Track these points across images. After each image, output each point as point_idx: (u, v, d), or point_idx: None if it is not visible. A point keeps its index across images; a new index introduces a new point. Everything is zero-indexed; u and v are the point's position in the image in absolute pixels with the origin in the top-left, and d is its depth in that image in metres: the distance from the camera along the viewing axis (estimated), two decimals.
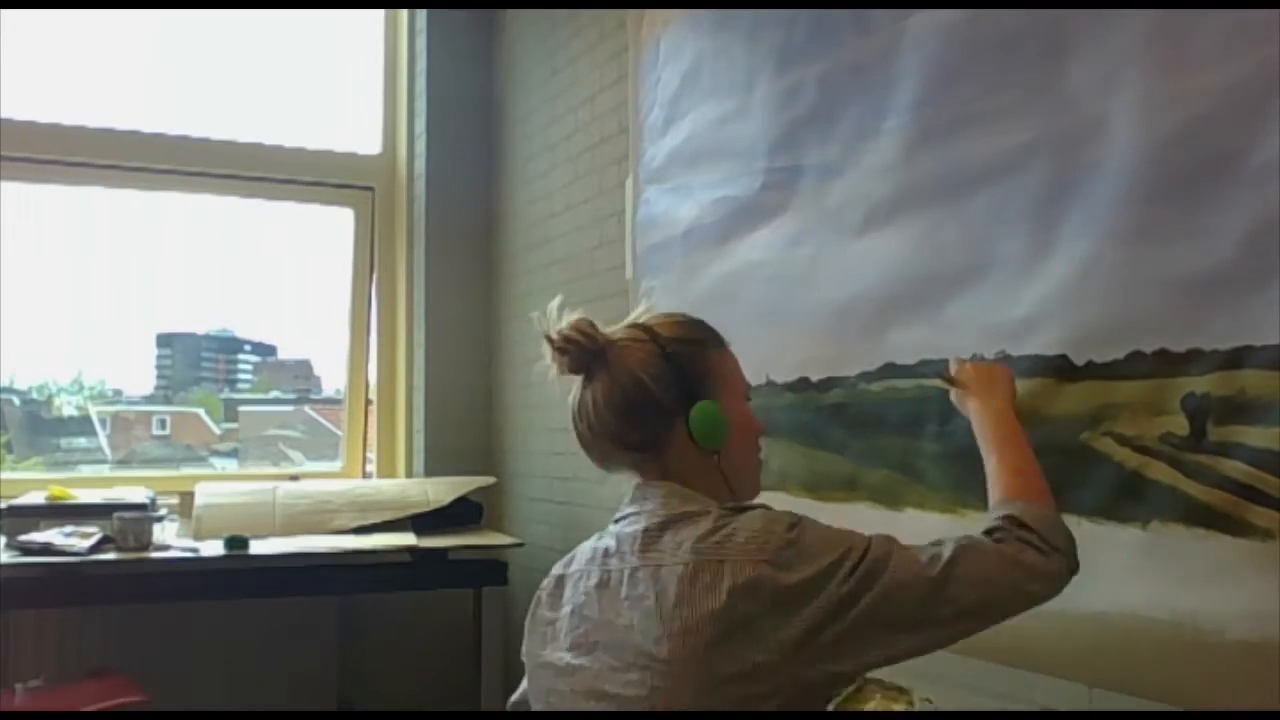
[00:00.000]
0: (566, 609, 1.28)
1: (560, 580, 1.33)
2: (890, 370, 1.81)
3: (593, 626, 1.23)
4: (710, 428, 1.25)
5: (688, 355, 1.28)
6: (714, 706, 1.10)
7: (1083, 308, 1.48)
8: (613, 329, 1.31)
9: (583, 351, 1.28)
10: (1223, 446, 1.30)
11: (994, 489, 1.31)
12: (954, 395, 1.53)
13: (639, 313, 1.35)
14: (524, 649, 1.36)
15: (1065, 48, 1.52)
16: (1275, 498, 1.24)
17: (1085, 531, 1.47)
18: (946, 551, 1.15)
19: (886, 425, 1.81)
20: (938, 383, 1.60)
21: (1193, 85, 1.35)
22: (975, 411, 1.44)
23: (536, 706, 1.33)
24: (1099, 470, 1.45)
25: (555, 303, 1.30)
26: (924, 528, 1.73)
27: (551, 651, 1.28)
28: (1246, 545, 1.27)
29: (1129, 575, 1.41)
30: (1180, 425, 1.35)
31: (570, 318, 1.29)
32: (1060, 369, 1.50)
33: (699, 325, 1.34)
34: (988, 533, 1.21)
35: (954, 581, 1.13)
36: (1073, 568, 1.21)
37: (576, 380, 1.31)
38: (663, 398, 1.26)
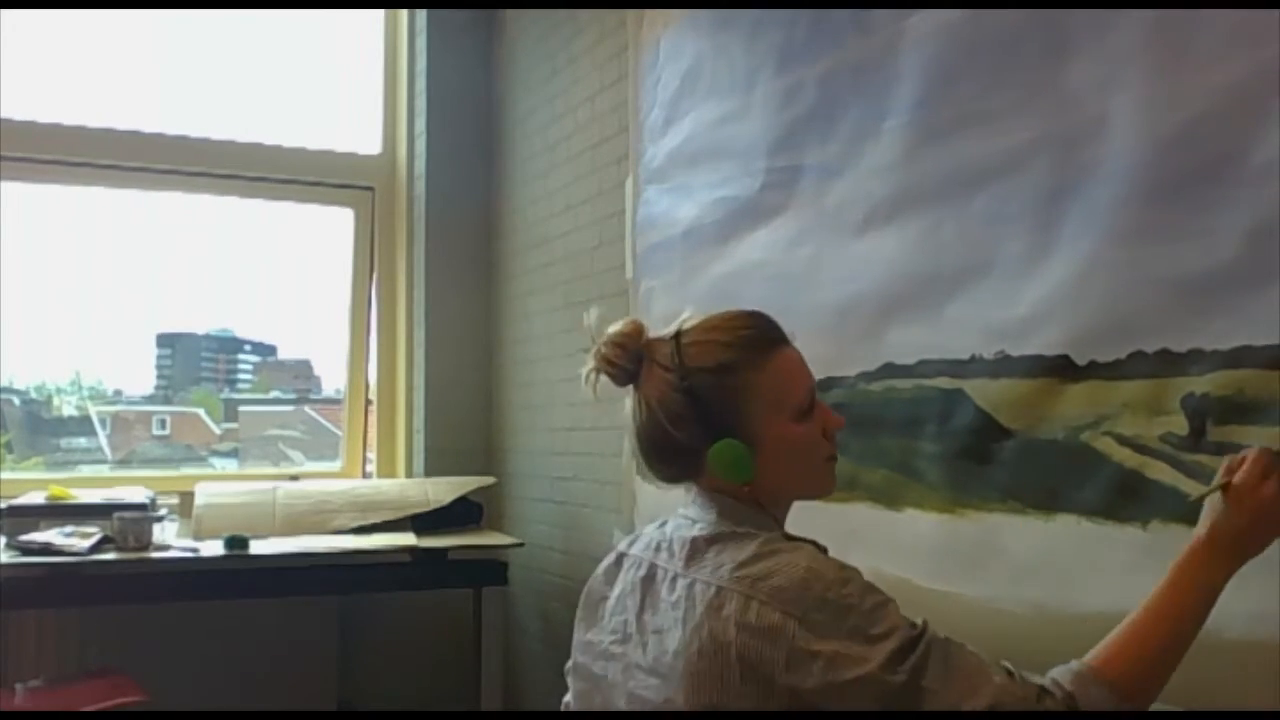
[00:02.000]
0: (617, 589, 1.30)
1: (620, 558, 1.34)
2: (890, 370, 1.81)
3: (631, 618, 1.24)
4: (731, 467, 1.19)
5: (709, 386, 1.19)
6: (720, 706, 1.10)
7: (1084, 307, 1.48)
8: (657, 334, 1.25)
9: (624, 365, 1.23)
10: (1223, 446, 1.29)
11: (1113, 639, 1.13)
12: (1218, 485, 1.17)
13: (687, 316, 1.26)
14: (577, 614, 1.37)
15: (1065, 48, 1.52)
16: None
17: (1085, 531, 1.47)
18: (985, 697, 1.04)
19: (886, 425, 1.81)
20: (1210, 485, 1.19)
21: (1193, 85, 1.35)
22: (1196, 552, 1.15)
23: (571, 679, 1.35)
24: (1099, 470, 1.45)
25: (594, 315, 1.26)
26: (923, 528, 1.73)
27: (597, 632, 1.30)
28: None
29: (1129, 575, 1.41)
30: (1180, 425, 1.35)
31: (613, 327, 1.24)
32: (1062, 369, 1.50)
33: (735, 344, 1.22)
34: (1043, 690, 1.08)
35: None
36: None
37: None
38: (682, 438, 1.20)
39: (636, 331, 1.24)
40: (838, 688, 1.05)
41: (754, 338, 1.23)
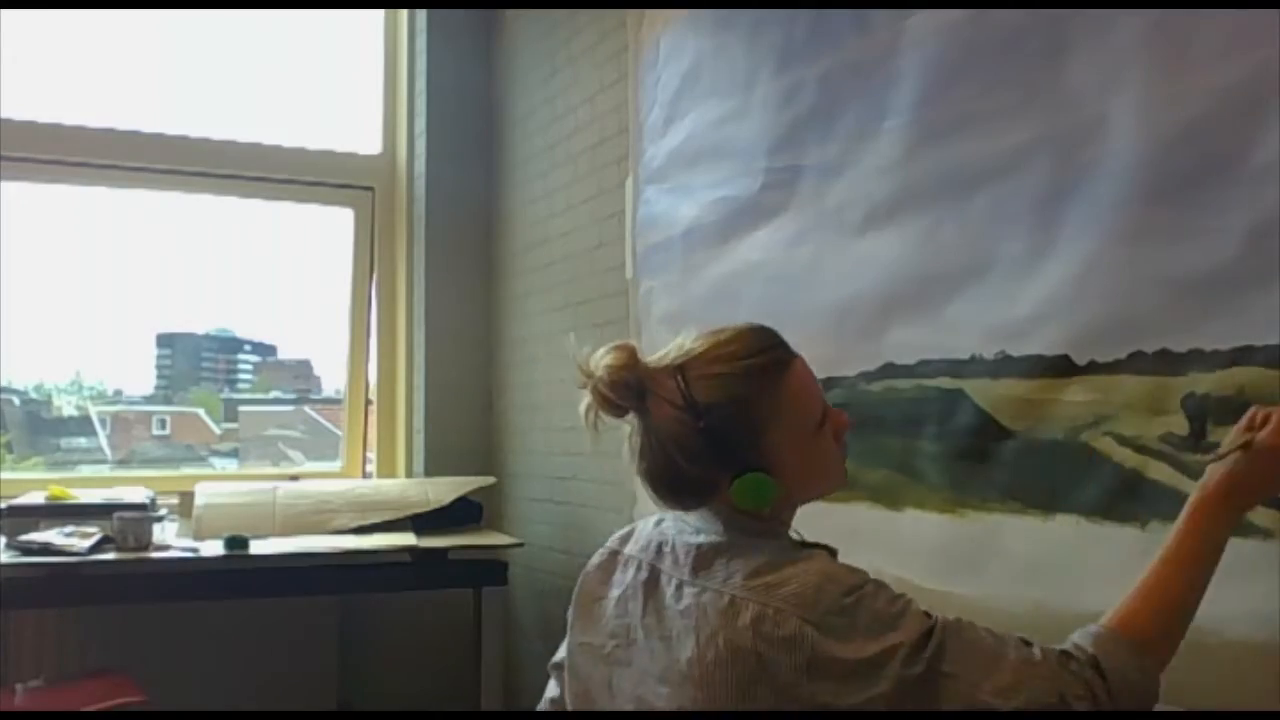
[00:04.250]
0: (615, 591, 1.27)
1: (614, 556, 1.32)
2: (890, 370, 1.81)
3: (634, 623, 1.22)
4: (755, 498, 1.17)
5: (727, 421, 1.16)
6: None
7: (1084, 307, 1.48)
8: (653, 362, 1.20)
9: (625, 400, 1.18)
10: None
11: (1130, 598, 1.14)
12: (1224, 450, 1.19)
13: (680, 345, 1.22)
14: (570, 614, 1.35)
15: (1065, 48, 1.52)
16: (1275, 498, 1.24)
17: (1085, 531, 1.47)
18: (1005, 677, 1.04)
19: (886, 425, 1.81)
20: (1230, 440, 1.19)
21: (1193, 85, 1.35)
22: (1202, 499, 1.16)
23: (570, 680, 1.33)
24: (1099, 470, 1.45)
25: (586, 349, 1.21)
26: (923, 528, 1.73)
27: (594, 635, 1.28)
28: (1246, 545, 1.26)
29: (1128, 575, 1.40)
30: (1180, 425, 1.35)
31: (607, 358, 1.18)
32: (1062, 369, 1.50)
33: (746, 374, 1.18)
34: (1065, 654, 1.10)
35: (1006, 695, 1.04)
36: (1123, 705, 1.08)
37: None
38: (698, 473, 1.17)
39: (631, 359, 1.19)
40: (859, 690, 1.04)
41: (764, 363, 1.20)
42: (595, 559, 1.35)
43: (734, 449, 1.16)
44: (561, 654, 1.41)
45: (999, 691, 1.04)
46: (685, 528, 1.24)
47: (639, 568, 1.26)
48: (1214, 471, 1.16)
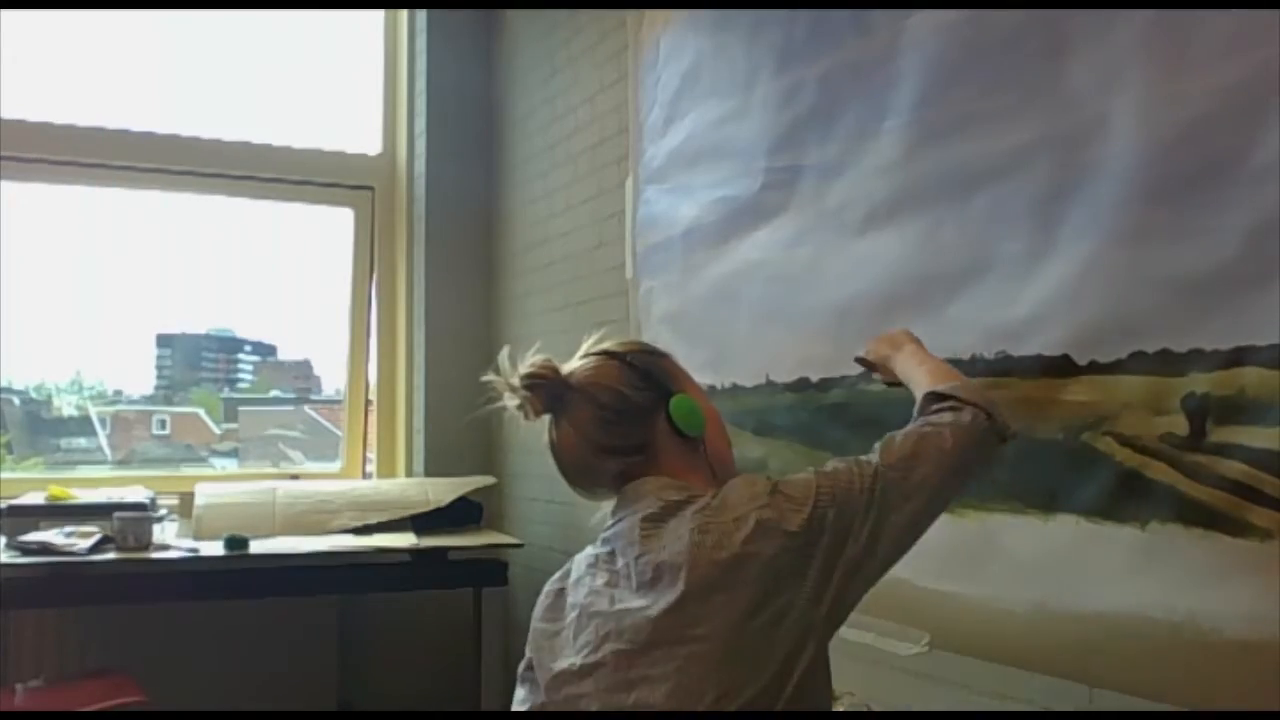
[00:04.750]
0: (572, 614, 1.28)
1: (560, 594, 1.34)
2: None
3: (602, 621, 1.23)
4: (691, 415, 1.32)
5: (649, 362, 1.37)
6: (744, 651, 1.13)
7: (1084, 308, 1.48)
8: (567, 365, 1.37)
9: (550, 386, 1.34)
10: (1222, 446, 1.30)
11: (917, 390, 1.43)
12: (878, 376, 1.65)
13: (585, 347, 1.40)
14: (532, 661, 1.34)
15: (1065, 48, 1.52)
16: (1274, 498, 1.24)
17: (1084, 530, 1.47)
18: (878, 451, 1.28)
19: (886, 425, 1.80)
20: (874, 380, 1.69)
21: (1193, 85, 1.35)
22: (894, 363, 1.56)
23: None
24: (1099, 470, 1.45)
25: (504, 353, 1.37)
26: None
27: (563, 660, 1.27)
28: (1245, 545, 1.27)
29: (1128, 575, 1.41)
30: (1180, 425, 1.35)
31: (526, 361, 1.36)
32: (1063, 369, 1.50)
33: (643, 342, 1.46)
34: (925, 420, 1.34)
35: (898, 468, 1.25)
36: (993, 415, 1.33)
37: (546, 420, 1.36)
38: (641, 401, 1.32)
39: (549, 360, 1.36)
40: (837, 536, 1.19)
41: (662, 352, 1.43)
42: (540, 605, 1.36)
43: (660, 378, 1.35)
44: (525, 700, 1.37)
45: (942, 461, 1.26)
46: (620, 524, 1.28)
47: (592, 578, 1.28)
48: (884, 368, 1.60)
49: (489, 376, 1.39)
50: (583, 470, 1.35)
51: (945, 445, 1.27)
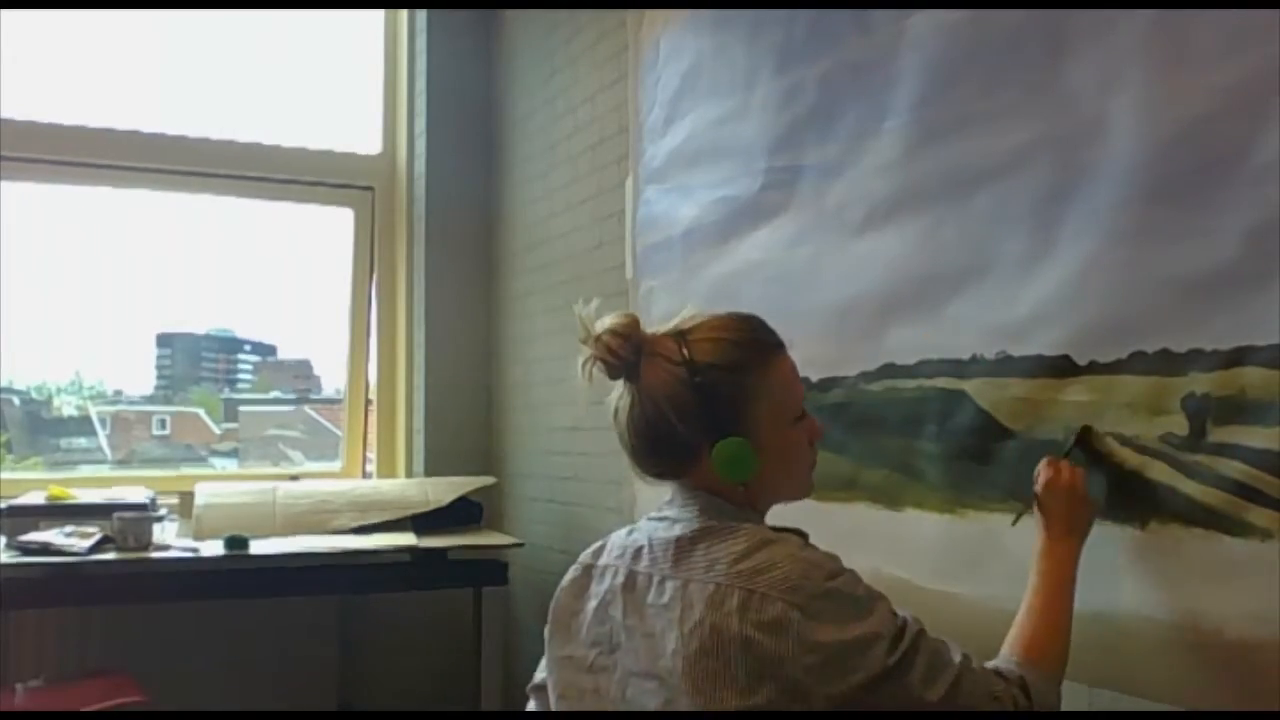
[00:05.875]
0: (592, 603, 1.28)
1: (588, 570, 1.32)
2: (890, 370, 1.81)
3: (616, 626, 1.23)
4: (735, 466, 1.20)
5: (720, 384, 1.21)
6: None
7: (1084, 307, 1.48)
8: (656, 329, 1.25)
9: (624, 357, 1.22)
10: (1222, 447, 1.30)
11: (1024, 632, 1.30)
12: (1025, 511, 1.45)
13: (686, 315, 1.27)
14: (547, 632, 1.35)
15: (1065, 48, 1.52)
16: (1274, 498, 1.24)
17: None
18: (950, 677, 1.14)
19: (886, 425, 1.81)
20: (1019, 511, 1.48)
21: (1193, 85, 1.35)
22: (1045, 545, 1.38)
23: (555, 697, 1.33)
24: (1099, 470, 1.45)
25: (593, 305, 1.25)
26: (924, 528, 1.73)
27: (574, 647, 1.28)
28: (1245, 545, 1.27)
29: (1128, 575, 1.41)
30: (1180, 425, 1.35)
31: (610, 320, 1.23)
32: (1062, 369, 1.50)
33: (744, 344, 1.24)
34: (997, 672, 1.22)
35: (950, 697, 1.14)
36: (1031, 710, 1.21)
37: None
38: (685, 432, 1.20)
39: (634, 323, 1.24)
40: (838, 677, 1.08)
41: (761, 341, 1.27)
42: (568, 575, 1.35)
43: (721, 410, 1.20)
44: (541, 675, 1.39)
45: (946, 693, 1.13)
46: (660, 525, 1.25)
47: (615, 574, 1.26)
48: (1037, 531, 1.40)
49: (578, 309, 1.25)
50: (627, 449, 1.27)
51: (980, 705, 1.16)
